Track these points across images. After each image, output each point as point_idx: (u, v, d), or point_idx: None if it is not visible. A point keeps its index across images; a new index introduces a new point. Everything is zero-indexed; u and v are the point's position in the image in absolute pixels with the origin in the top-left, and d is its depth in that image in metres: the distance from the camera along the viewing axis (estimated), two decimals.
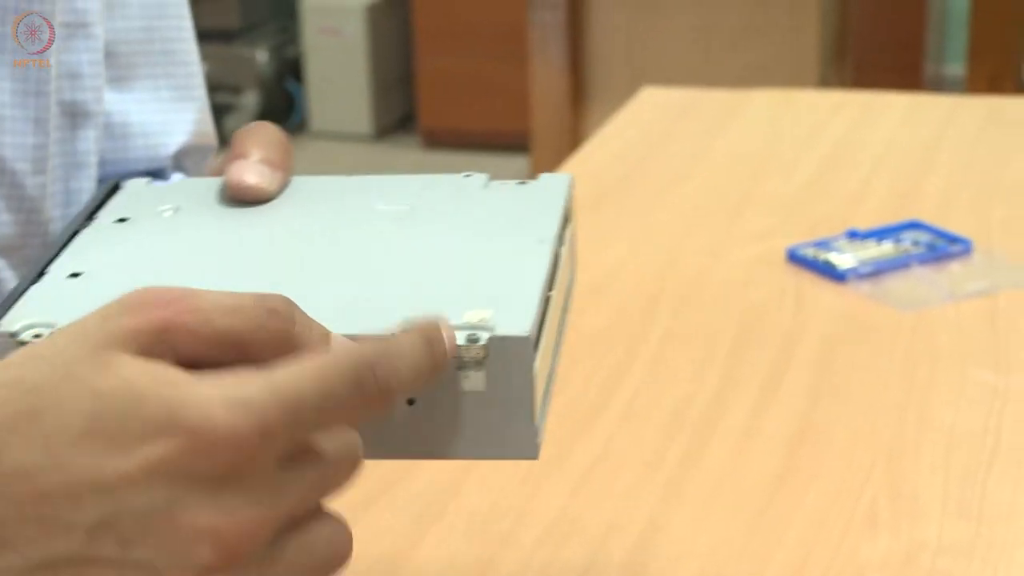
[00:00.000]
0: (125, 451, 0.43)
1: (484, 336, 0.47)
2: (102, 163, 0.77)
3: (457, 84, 4.05)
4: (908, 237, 1.24)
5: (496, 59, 3.97)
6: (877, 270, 1.18)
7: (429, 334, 0.46)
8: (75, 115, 0.73)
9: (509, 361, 0.47)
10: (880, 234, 1.24)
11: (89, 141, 0.74)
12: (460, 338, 0.48)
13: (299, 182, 0.60)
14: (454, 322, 0.48)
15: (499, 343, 0.47)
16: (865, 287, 1.16)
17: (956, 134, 1.53)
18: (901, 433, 0.94)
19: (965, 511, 0.86)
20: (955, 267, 1.20)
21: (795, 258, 1.21)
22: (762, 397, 0.99)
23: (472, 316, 0.48)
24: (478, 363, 0.48)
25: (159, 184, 0.61)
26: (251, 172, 0.58)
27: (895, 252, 1.21)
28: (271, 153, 0.59)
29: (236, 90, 4.15)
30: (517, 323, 0.48)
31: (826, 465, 0.91)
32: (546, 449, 0.93)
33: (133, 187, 0.60)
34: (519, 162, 3.46)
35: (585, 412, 0.98)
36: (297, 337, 0.46)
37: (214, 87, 4.01)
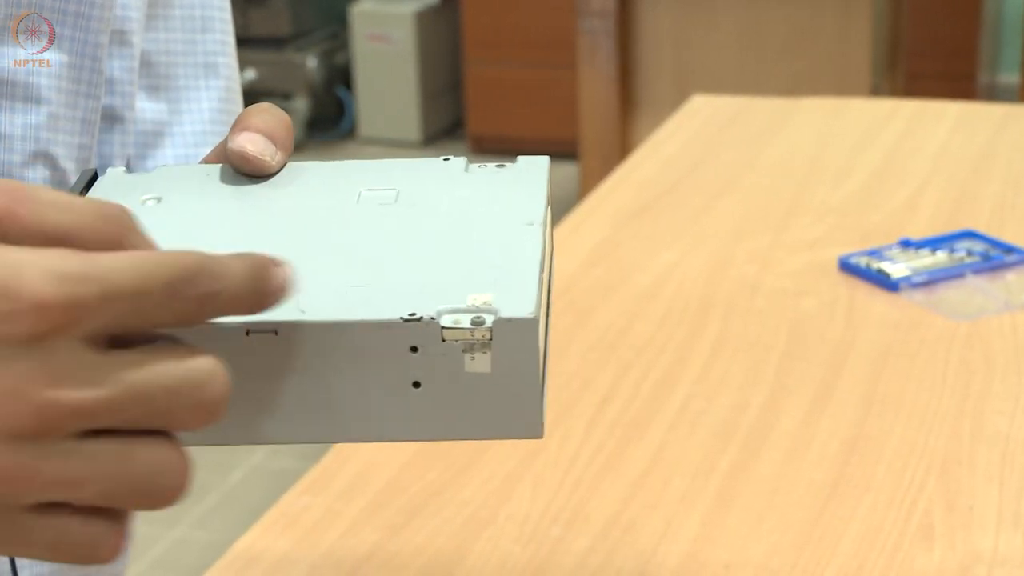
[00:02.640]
0: None
1: (489, 319, 0.49)
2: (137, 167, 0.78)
3: (506, 91, 4.05)
4: (962, 246, 1.23)
5: (545, 66, 3.97)
6: (931, 279, 1.17)
7: (259, 267, 0.46)
8: (107, 119, 0.74)
9: (515, 342, 0.49)
10: (934, 243, 1.23)
11: (114, 145, 0.75)
12: (465, 321, 0.49)
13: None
14: (458, 305, 0.49)
15: (505, 325, 0.48)
16: (918, 296, 1.15)
17: (1010, 143, 1.52)
18: (955, 443, 0.94)
19: (1022, 522, 0.85)
20: (1010, 277, 1.18)
21: (847, 267, 1.20)
22: (814, 406, 0.99)
23: (476, 299, 0.49)
24: (484, 345, 0.49)
25: (138, 172, 0.62)
26: (254, 143, 0.59)
27: (949, 261, 1.20)
28: (275, 130, 0.60)
29: (286, 96, 4.17)
30: (522, 305, 0.49)
31: (879, 475, 0.90)
32: (597, 456, 0.93)
33: (112, 176, 0.61)
34: (568, 169, 3.46)
35: (636, 419, 0.98)
36: (129, 246, 0.45)
37: (264, 93, 4.03)
